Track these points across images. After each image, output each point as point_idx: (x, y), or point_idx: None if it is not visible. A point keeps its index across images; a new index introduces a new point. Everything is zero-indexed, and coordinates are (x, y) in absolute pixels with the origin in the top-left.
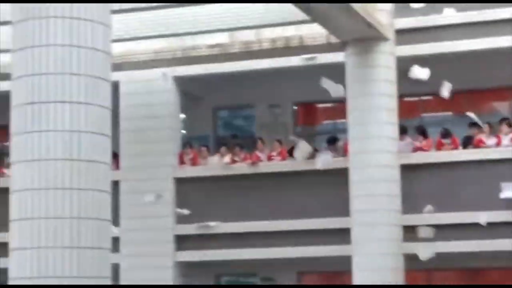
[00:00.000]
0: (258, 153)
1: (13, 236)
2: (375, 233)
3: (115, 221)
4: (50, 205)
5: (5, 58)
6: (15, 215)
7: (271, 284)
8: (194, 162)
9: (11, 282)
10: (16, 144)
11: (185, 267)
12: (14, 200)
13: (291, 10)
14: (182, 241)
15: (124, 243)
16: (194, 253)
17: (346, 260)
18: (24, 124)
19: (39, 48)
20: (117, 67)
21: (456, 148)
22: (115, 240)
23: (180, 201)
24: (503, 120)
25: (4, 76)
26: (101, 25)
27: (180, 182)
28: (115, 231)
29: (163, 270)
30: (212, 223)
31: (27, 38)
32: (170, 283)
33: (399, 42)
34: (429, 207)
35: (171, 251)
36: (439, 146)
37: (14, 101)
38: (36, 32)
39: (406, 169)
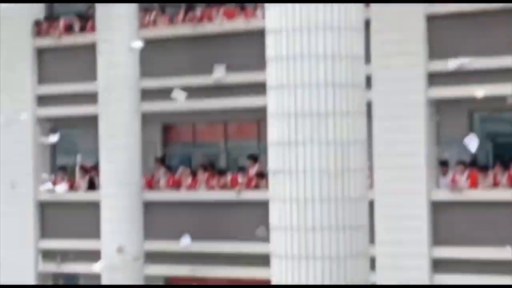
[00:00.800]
0: None
1: (273, 188)
2: None
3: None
4: (316, 158)
5: None
6: (273, 166)
7: None
8: None
9: (272, 232)
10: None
11: (438, 103)
12: (272, 153)
13: None
14: (434, 77)
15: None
16: (447, 90)
17: None
18: None
19: None
20: None
21: None
22: None
23: None
24: None
25: None
26: None
27: None
28: None
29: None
30: (466, 60)
31: None
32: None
33: None
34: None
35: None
36: None
37: None
38: None
39: None
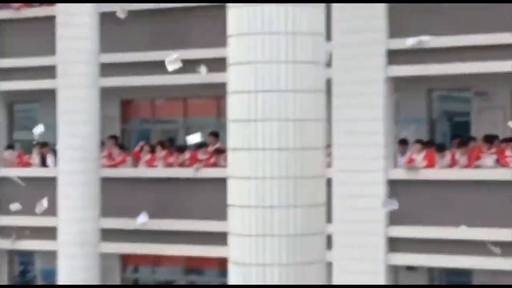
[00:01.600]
0: None
1: (232, 165)
2: None
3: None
4: (275, 135)
5: None
6: (233, 144)
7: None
8: None
9: (229, 210)
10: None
11: (397, 81)
12: (231, 130)
13: None
14: (394, 55)
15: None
16: (406, 68)
17: None
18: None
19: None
20: None
21: None
22: None
23: None
24: None
25: None
26: None
27: None
28: None
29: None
30: (425, 38)
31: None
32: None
33: None
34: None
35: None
36: None
37: None
38: None
39: None
